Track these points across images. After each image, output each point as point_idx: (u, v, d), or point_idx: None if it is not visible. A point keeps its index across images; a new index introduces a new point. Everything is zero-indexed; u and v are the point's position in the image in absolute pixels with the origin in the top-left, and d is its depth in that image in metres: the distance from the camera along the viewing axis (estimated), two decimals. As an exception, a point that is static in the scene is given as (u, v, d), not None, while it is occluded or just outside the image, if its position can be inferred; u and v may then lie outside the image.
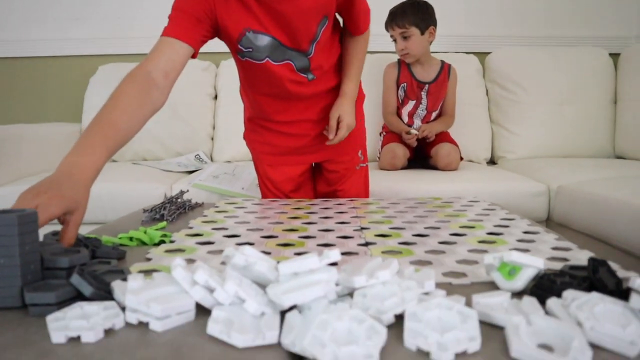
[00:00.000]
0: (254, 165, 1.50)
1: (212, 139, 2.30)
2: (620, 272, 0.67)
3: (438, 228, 0.94)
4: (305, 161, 1.44)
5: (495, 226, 0.96)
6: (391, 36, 2.00)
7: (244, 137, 1.49)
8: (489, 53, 2.45)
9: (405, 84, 2.04)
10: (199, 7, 1.10)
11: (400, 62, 2.07)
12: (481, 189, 1.64)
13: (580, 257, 0.75)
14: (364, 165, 1.51)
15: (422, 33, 1.94)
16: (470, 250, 0.78)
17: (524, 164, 2.04)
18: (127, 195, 1.69)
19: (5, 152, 1.88)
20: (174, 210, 1.12)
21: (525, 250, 0.78)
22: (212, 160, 2.24)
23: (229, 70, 2.35)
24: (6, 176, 1.85)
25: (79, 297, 0.54)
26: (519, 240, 0.85)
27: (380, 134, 2.15)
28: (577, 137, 2.27)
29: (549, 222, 1.71)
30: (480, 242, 0.83)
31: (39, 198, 0.68)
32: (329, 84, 1.34)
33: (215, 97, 2.39)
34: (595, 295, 0.52)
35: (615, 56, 2.39)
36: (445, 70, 2.05)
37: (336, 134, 1.29)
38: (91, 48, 2.58)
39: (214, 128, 2.32)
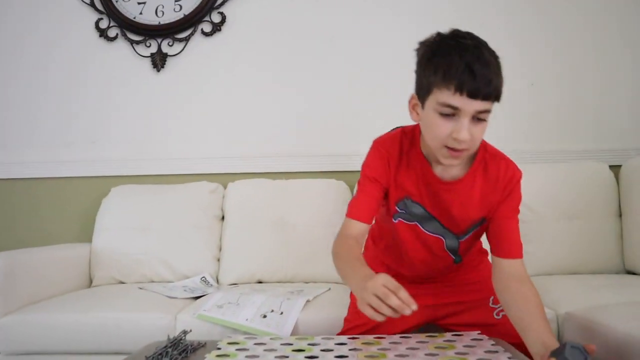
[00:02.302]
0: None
1: (218, 260, 2.33)
2: None
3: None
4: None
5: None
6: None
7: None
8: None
9: None
10: (383, 175, 1.28)
11: None
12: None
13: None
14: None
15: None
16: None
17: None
18: (133, 326, 1.70)
19: (15, 277, 1.90)
20: (176, 356, 1.12)
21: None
22: (218, 282, 2.25)
23: (237, 192, 2.43)
24: (16, 302, 1.86)
25: None
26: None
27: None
28: (585, 253, 2.25)
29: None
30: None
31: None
32: (472, 264, 1.45)
33: (222, 218, 2.44)
34: None
35: (616, 168, 2.43)
36: None
37: None
38: (104, 169, 2.67)
39: (220, 249, 2.35)
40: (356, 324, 1.43)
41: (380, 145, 1.29)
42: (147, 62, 2.70)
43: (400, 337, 1.27)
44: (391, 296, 0.93)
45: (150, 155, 2.67)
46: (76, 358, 1.76)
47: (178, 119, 2.68)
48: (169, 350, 1.15)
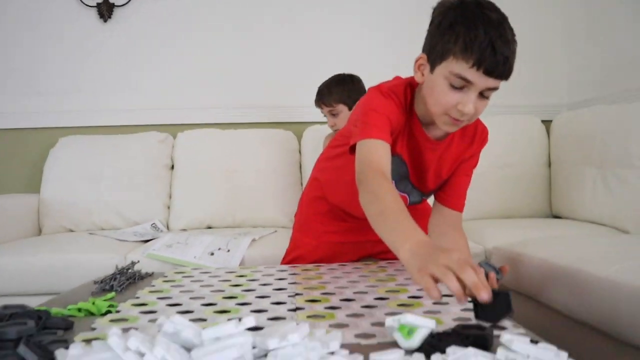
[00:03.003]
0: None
1: (169, 207, 2.38)
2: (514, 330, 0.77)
3: (365, 293, 1.03)
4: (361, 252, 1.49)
5: (419, 289, 1.05)
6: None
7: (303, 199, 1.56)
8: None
9: None
10: (397, 124, 1.19)
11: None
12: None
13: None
14: None
15: (350, 108, 1.96)
16: (387, 314, 0.87)
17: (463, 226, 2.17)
18: (82, 266, 1.74)
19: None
20: (124, 281, 1.19)
21: (437, 312, 0.88)
22: (168, 228, 2.31)
23: (186, 141, 2.47)
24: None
25: (25, 365, 0.61)
26: (435, 303, 0.94)
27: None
28: (515, 199, 2.43)
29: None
30: (399, 305, 0.93)
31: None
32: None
33: (172, 167, 2.48)
34: (470, 351, 0.61)
35: (547, 123, 2.58)
36: None
37: None
38: (50, 121, 2.66)
39: (170, 197, 2.40)
40: (296, 256, 1.51)
41: (393, 93, 1.20)
42: (94, 12, 2.68)
43: (339, 265, 1.37)
44: (470, 272, 0.75)
45: (98, 106, 2.67)
46: (25, 299, 1.78)
47: (126, 70, 2.68)
48: (118, 276, 1.21)
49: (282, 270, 1.31)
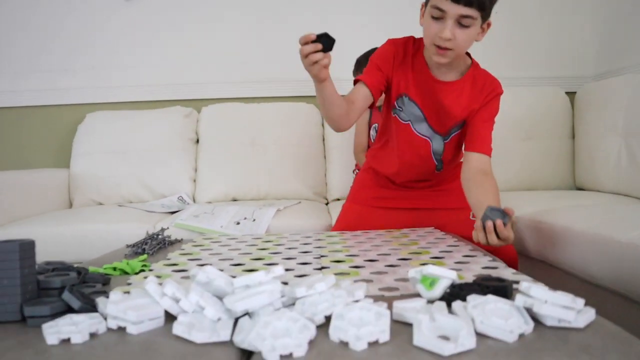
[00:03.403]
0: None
1: (194, 181, 2.43)
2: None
3: (389, 254, 1.06)
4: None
5: (441, 252, 1.08)
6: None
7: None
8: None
9: (377, 124, 2.15)
10: (387, 65, 1.43)
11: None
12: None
13: (505, 273, 0.87)
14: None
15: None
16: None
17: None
18: (113, 235, 1.79)
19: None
20: (155, 246, 1.23)
21: (459, 270, 0.90)
22: (194, 201, 2.36)
23: (210, 115, 2.51)
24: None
25: (70, 310, 0.66)
26: (457, 262, 0.97)
27: (353, 172, 2.28)
28: (539, 171, 2.42)
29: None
30: (422, 264, 0.95)
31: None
32: (451, 175, 1.58)
33: (197, 141, 2.52)
34: (490, 298, 0.64)
35: (571, 95, 2.56)
36: None
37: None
38: (79, 97, 2.71)
39: (195, 171, 2.45)
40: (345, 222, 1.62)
41: (391, 42, 1.46)
42: (118, -11, 2.70)
43: (363, 232, 1.40)
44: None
45: (124, 82, 2.71)
46: (61, 267, 1.86)
47: (150, 46, 2.71)
48: (149, 241, 1.25)
49: (307, 236, 1.34)
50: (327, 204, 2.34)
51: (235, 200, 2.33)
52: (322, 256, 1.06)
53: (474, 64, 1.46)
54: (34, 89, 2.72)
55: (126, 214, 1.99)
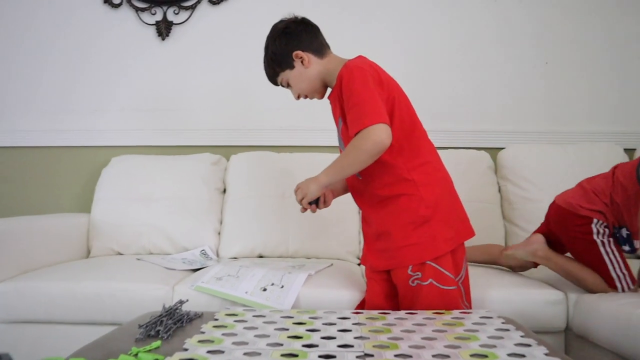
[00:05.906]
0: None
1: (219, 233, 2.27)
2: None
3: (434, 339, 0.88)
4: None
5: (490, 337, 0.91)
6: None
7: None
8: (501, 148, 2.44)
9: None
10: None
11: None
12: (497, 297, 1.60)
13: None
14: (423, 283, 1.37)
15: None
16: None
17: (540, 268, 1.97)
18: (128, 296, 1.65)
19: (11, 245, 1.86)
20: (171, 325, 1.07)
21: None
22: (217, 255, 2.20)
23: (239, 164, 2.37)
24: (11, 270, 1.82)
25: None
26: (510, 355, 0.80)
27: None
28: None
29: (568, 332, 1.63)
30: (472, 355, 0.79)
31: None
32: (376, 191, 1.48)
33: (224, 190, 2.38)
34: None
35: (630, 152, 2.37)
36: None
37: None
38: (105, 139, 2.62)
39: (221, 223, 2.30)
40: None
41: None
42: (152, 30, 2.64)
43: (406, 313, 1.22)
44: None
45: (153, 125, 2.61)
46: (69, 328, 1.71)
47: (182, 89, 2.62)
48: (164, 319, 1.09)
49: (343, 318, 1.16)
50: (359, 264, 2.16)
51: (261, 257, 2.16)
52: (362, 337, 0.90)
53: (344, 64, 1.48)
54: (62, 128, 2.64)
55: (143, 270, 1.84)
